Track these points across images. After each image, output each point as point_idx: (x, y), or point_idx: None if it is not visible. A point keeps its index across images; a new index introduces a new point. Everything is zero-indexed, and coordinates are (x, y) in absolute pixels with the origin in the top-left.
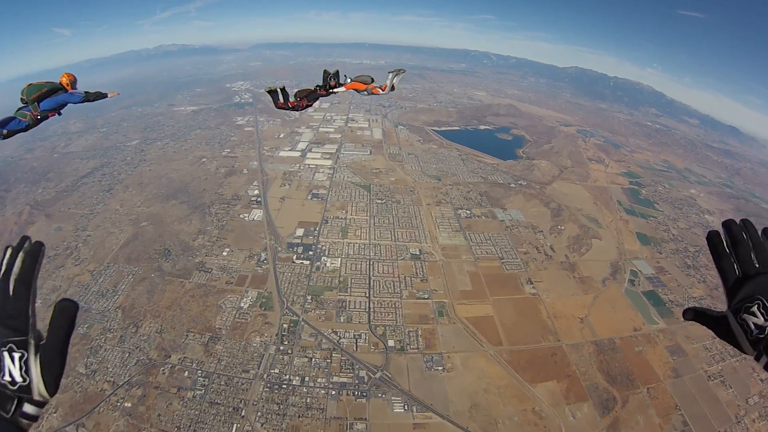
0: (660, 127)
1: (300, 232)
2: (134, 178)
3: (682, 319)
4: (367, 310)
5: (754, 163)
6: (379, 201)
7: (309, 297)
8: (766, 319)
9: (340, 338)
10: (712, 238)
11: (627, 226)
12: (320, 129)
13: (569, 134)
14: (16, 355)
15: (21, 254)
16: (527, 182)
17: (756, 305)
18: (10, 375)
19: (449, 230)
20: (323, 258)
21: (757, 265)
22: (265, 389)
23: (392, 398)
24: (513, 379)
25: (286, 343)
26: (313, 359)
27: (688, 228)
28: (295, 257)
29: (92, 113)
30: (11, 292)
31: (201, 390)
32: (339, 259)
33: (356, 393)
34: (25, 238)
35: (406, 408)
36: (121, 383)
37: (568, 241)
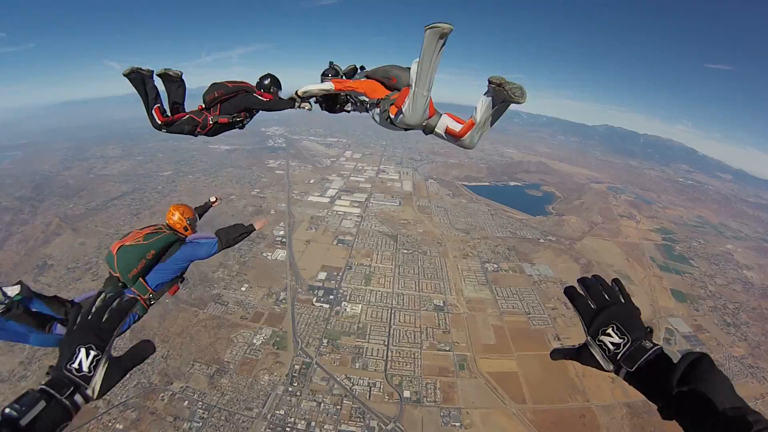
0: (692, 183)
1: (322, 275)
2: (162, 206)
3: (551, 360)
4: (384, 358)
5: None
6: (406, 251)
7: (325, 340)
8: (620, 337)
9: (354, 385)
10: (569, 288)
11: (661, 282)
12: (351, 178)
13: (600, 191)
14: (92, 353)
15: (119, 298)
16: (557, 238)
17: (611, 328)
18: (79, 364)
19: (475, 283)
20: (344, 303)
21: (608, 299)
22: (267, 430)
23: None
24: None
25: (295, 384)
26: (323, 404)
27: (726, 284)
28: (314, 300)
29: (130, 141)
30: (106, 316)
31: (199, 423)
32: (360, 305)
33: None
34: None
35: None
36: (116, 403)
37: None
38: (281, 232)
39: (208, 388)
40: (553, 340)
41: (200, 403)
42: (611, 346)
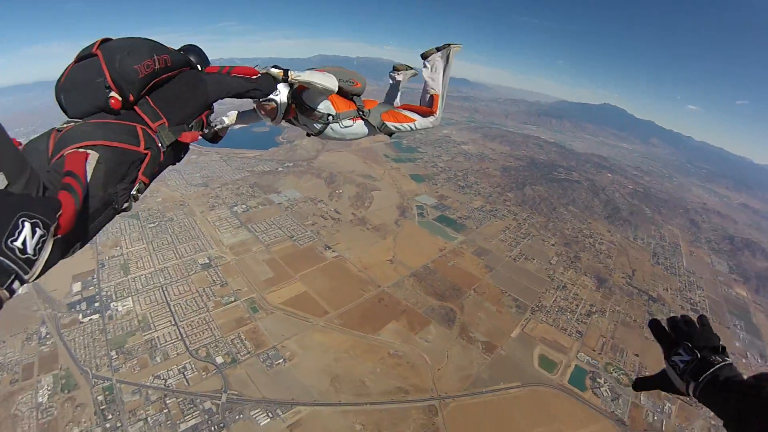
0: (404, 90)
1: (77, 287)
2: None
3: (634, 391)
4: (180, 338)
5: (487, 102)
6: (152, 225)
7: (113, 352)
8: (688, 354)
9: (167, 380)
10: (654, 323)
11: (399, 172)
12: None
13: None
14: (39, 232)
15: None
16: (294, 162)
17: (682, 347)
18: (23, 243)
19: (231, 229)
20: (112, 304)
21: (686, 329)
22: None
23: (252, 413)
24: (356, 338)
25: (110, 416)
26: (149, 418)
27: (451, 159)
28: (81, 316)
29: None
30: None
31: None
32: (129, 298)
33: (213, 428)
34: None
35: (271, 416)
36: None
37: (350, 200)
38: None
39: None
40: (325, 250)
41: None
42: (680, 364)
